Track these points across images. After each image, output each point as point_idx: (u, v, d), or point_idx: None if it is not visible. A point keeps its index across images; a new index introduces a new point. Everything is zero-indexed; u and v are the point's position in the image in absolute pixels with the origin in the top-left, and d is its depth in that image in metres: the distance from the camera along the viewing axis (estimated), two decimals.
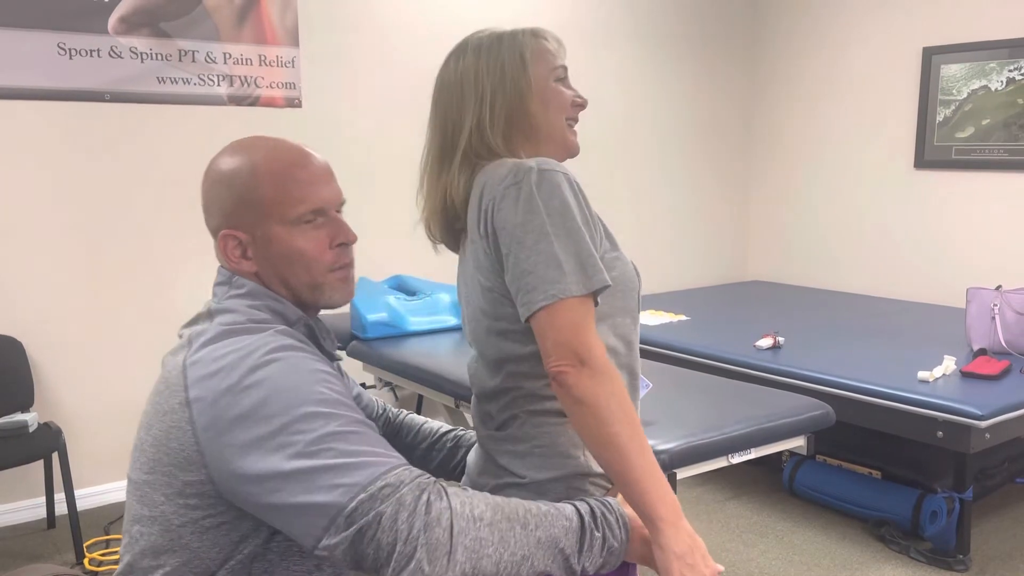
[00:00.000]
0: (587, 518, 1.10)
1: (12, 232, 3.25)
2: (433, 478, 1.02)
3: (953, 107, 4.46)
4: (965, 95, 4.41)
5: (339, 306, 1.20)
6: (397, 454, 1.03)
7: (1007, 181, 4.30)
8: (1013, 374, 3.09)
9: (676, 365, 3.04)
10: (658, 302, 4.57)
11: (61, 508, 3.17)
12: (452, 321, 3.16)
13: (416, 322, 3.06)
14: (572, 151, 1.37)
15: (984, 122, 4.35)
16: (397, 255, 4.14)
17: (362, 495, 0.96)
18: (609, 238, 1.27)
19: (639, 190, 5.00)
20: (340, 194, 1.20)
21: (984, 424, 2.72)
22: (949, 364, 3.11)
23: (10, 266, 3.24)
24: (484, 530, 1.00)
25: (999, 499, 3.47)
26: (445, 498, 0.98)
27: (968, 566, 2.91)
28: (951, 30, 4.43)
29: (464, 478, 1.36)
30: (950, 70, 4.46)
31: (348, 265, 1.19)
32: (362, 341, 3.00)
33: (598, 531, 1.10)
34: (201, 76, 3.59)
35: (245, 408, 1.00)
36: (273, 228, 1.13)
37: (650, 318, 4.15)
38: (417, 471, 1.01)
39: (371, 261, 4.06)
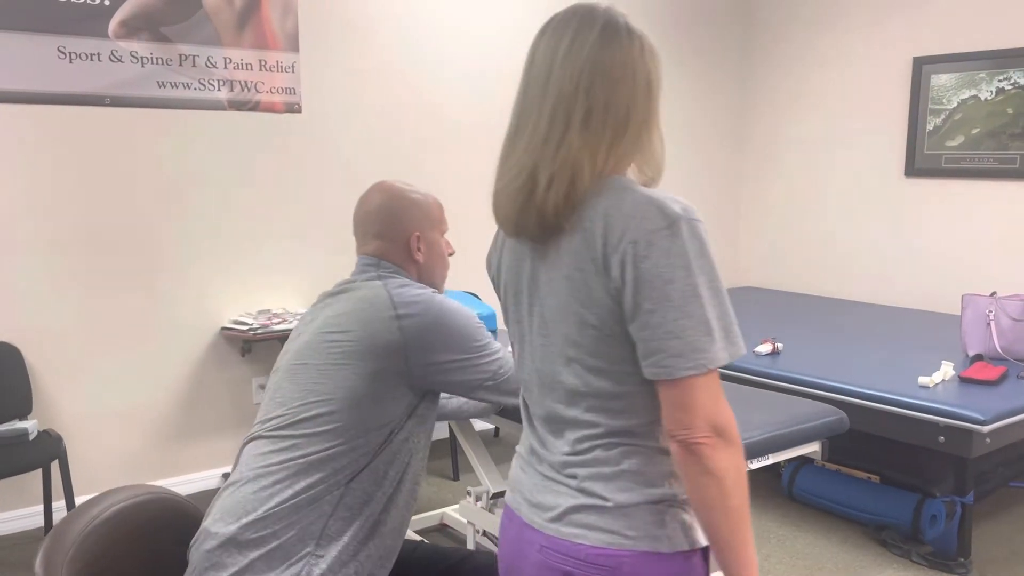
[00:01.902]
0: None
1: (10, 238, 3.21)
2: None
3: (943, 116, 4.53)
4: (955, 104, 4.49)
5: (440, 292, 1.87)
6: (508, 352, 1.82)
7: (996, 189, 4.37)
8: (1011, 379, 3.14)
9: None
10: None
11: (60, 516, 3.13)
12: None
13: None
14: (662, 165, 1.30)
15: (974, 131, 4.42)
16: None
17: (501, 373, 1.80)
18: None
19: None
20: None
21: (986, 429, 2.76)
22: (947, 370, 3.15)
23: (7, 272, 3.20)
24: None
25: (995, 503, 3.52)
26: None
27: (969, 569, 2.95)
28: (941, 41, 4.51)
29: (511, 495, 1.34)
30: (940, 80, 4.53)
31: None
32: None
33: None
34: (201, 81, 3.57)
35: (444, 329, 1.69)
36: (435, 235, 1.86)
37: None
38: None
39: None
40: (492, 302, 4.22)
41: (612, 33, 1.20)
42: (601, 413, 1.20)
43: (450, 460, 3.95)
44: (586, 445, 1.22)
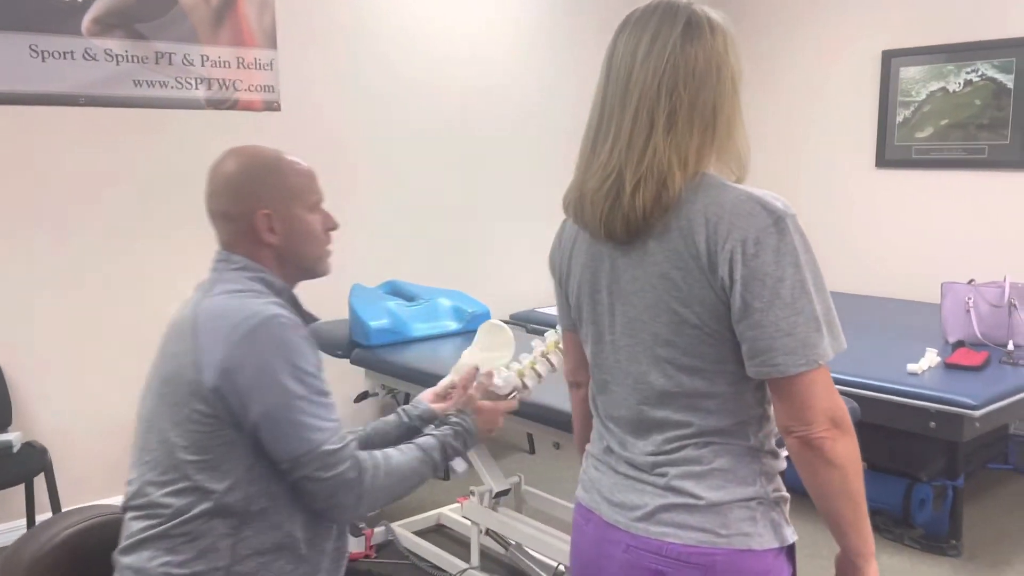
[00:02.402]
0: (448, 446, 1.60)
1: None
2: (357, 455, 1.42)
3: (912, 108, 4.63)
4: (924, 96, 4.58)
5: (325, 275, 1.56)
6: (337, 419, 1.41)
7: (965, 179, 4.48)
8: (994, 364, 3.22)
9: None
10: None
11: None
12: (453, 326, 3.14)
13: (419, 328, 3.03)
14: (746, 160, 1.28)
15: (942, 122, 4.52)
16: (382, 258, 4.09)
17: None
18: None
19: None
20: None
21: (977, 414, 2.83)
22: (932, 356, 3.22)
23: None
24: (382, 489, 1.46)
25: (976, 486, 3.61)
26: (359, 472, 1.40)
27: (960, 551, 3.03)
28: (910, 34, 4.60)
29: (586, 494, 1.33)
30: (909, 72, 4.63)
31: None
32: (365, 348, 2.95)
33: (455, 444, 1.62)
34: (178, 79, 3.48)
35: (246, 359, 1.34)
36: (297, 210, 1.47)
37: None
38: (348, 444, 1.40)
39: (359, 265, 4.00)
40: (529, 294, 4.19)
41: (695, 29, 1.18)
42: (693, 412, 1.19)
43: None
44: (675, 444, 1.21)
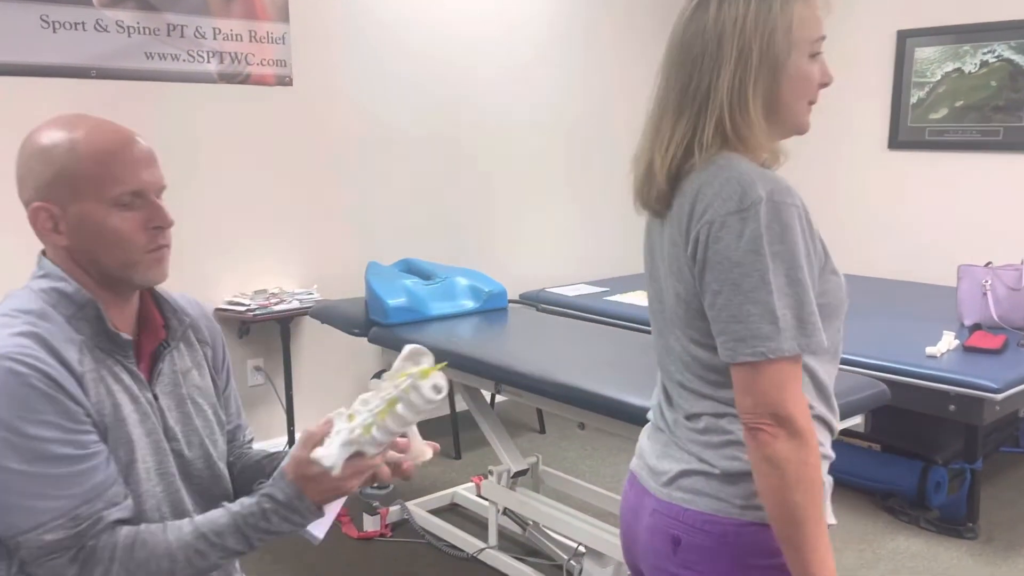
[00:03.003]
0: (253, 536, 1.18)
1: None
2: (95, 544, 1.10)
3: (927, 89, 4.59)
4: (939, 77, 4.54)
5: (153, 284, 1.26)
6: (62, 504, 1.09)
7: (980, 161, 4.45)
8: (1012, 347, 3.21)
9: None
10: (642, 283, 4.58)
11: None
12: (470, 305, 3.10)
13: (437, 307, 3.00)
14: (800, 132, 1.24)
15: (957, 104, 4.49)
16: (396, 237, 4.06)
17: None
18: (826, 251, 1.18)
19: (614, 170, 4.99)
20: (161, 179, 1.22)
21: (999, 397, 2.81)
22: (950, 339, 3.21)
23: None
24: None
25: (991, 469, 3.61)
26: (83, 568, 1.10)
27: (977, 534, 3.03)
28: (925, 13, 4.55)
29: (636, 460, 1.35)
30: (924, 53, 4.59)
31: (164, 247, 1.22)
32: (383, 327, 2.92)
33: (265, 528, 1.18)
34: (190, 52, 3.42)
35: None
36: (87, 205, 1.15)
37: (642, 298, 4.16)
38: (79, 527, 1.09)
39: (373, 242, 3.97)
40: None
41: (702, 3, 1.18)
42: (706, 383, 1.21)
43: (451, 439, 3.91)
44: (697, 411, 1.23)
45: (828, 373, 1.22)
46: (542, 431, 4.16)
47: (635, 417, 2.12)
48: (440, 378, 1.12)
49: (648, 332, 2.87)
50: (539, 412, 4.21)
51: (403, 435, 1.20)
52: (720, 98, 1.15)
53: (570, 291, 4.36)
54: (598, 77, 4.81)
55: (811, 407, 1.18)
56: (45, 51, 3.09)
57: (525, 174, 4.57)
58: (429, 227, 4.21)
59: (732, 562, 1.18)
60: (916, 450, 3.29)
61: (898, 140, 4.71)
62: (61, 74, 3.13)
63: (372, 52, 3.93)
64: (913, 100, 4.64)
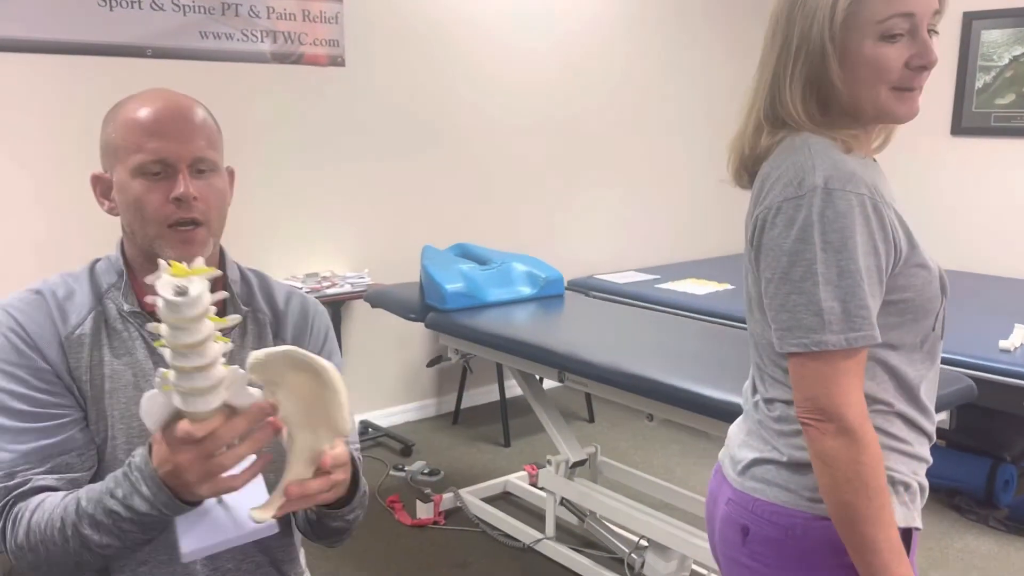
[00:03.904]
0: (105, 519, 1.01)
1: (55, 194, 3.04)
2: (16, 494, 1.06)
3: (993, 73, 4.43)
4: (1007, 61, 4.38)
5: (175, 260, 1.13)
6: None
7: None
8: None
9: None
10: (693, 270, 4.50)
11: None
12: (527, 291, 3.05)
13: (494, 293, 2.94)
14: (893, 121, 1.15)
15: None
16: (446, 221, 4.01)
17: None
18: (911, 243, 1.12)
19: (659, 158, 4.91)
20: (195, 151, 1.13)
21: None
22: (1022, 333, 3.09)
23: (49, 231, 3.04)
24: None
25: None
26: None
27: None
28: None
29: (723, 450, 1.32)
30: (991, 36, 4.43)
31: (188, 223, 1.13)
32: (440, 312, 2.87)
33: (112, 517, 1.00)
34: (244, 32, 3.38)
35: None
36: (121, 174, 1.14)
37: (695, 287, 4.08)
38: (7, 482, 1.06)
39: (426, 227, 3.92)
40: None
41: None
42: (779, 369, 1.17)
43: (501, 426, 3.87)
44: (771, 396, 1.19)
45: (917, 372, 1.16)
46: (591, 420, 4.11)
47: (707, 408, 2.06)
48: (187, 280, 0.85)
49: (705, 320, 2.79)
50: (588, 401, 4.15)
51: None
52: (766, 81, 1.15)
53: (619, 278, 4.29)
54: (649, 64, 4.71)
55: (890, 404, 1.14)
56: (102, 30, 3.07)
57: (573, 161, 4.49)
58: (477, 212, 4.15)
59: (799, 557, 1.14)
60: (984, 447, 3.18)
61: (962, 126, 4.56)
62: (118, 53, 3.11)
63: (426, 33, 3.87)
64: (979, 85, 4.48)
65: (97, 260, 1.23)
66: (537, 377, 2.85)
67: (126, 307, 1.17)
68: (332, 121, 3.65)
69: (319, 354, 1.24)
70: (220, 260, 1.26)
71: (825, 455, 1.05)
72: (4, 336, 1.11)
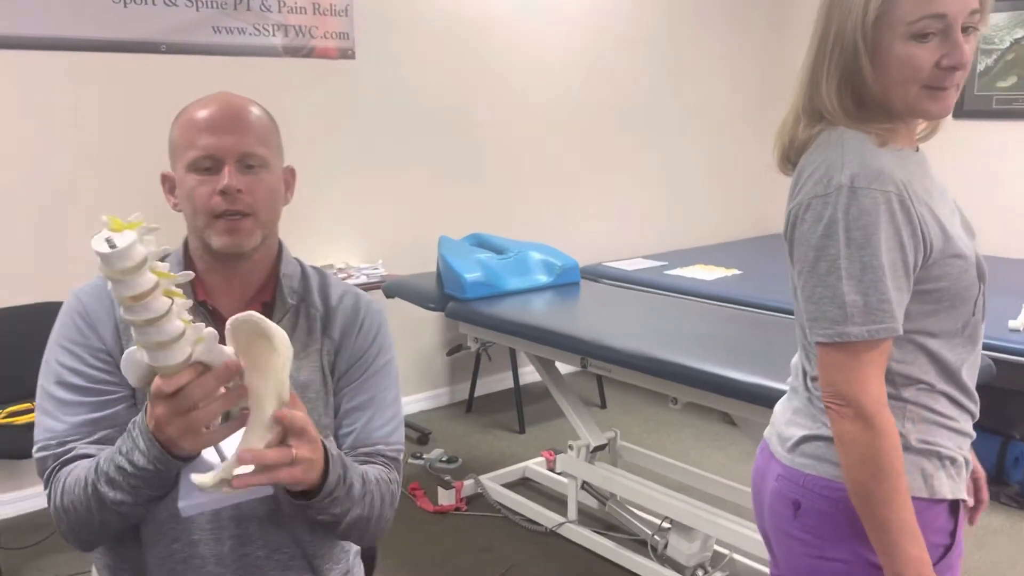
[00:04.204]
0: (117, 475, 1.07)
1: (69, 191, 3.06)
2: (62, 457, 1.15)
3: (995, 56, 4.48)
4: (1008, 44, 4.43)
5: (229, 252, 1.20)
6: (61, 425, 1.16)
7: None
8: None
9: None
10: (701, 256, 4.55)
11: None
12: (544, 279, 3.09)
13: (512, 282, 2.98)
14: (925, 117, 1.18)
15: None
16: (462, 211, 4.04)
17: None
18: (945, 235, 1.14)
19: (666, 147, 4.94)
20: (242, 146, 1.18)
21: None
22: None
23: (67, 228, 3.06)
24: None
25: None
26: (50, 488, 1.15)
27: None
28: None
29: (768, 428, 1.36)
30: (992, 19, 4.46)
31: (233, 214, 1.18)
32: (460, 301, 2.91)
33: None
34: (256, 26, 3.40)
35: None
36: (179, 170, 1.20)
37: (703, 272, 4.12)
38: (57, 449, 1.15)
39: (440, 217, 3.95)
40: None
41: None
42: None
43: (514, 414, 3.91)
44: (817, 375, 1.21)
45: (958, 356, 1.20)
46: (603, 406, 4.15)
47: (734, 391, 2.10)
48: (118, 234, 0.86)
49: (719, 305, 2.82)
50: (600, 387, 4.20)
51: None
52: (804, 76, 1.20)
53: (628, 265, 4.33)
54: (656, 54, 4.73)
55: (932, 384, 1.17)
56: (117, 26, 3.08)
57: (578, 150, 4.52)
58: (485, 202, 4.18)
59: (850, 529, 1.17)
60: (994, 425, 3.24)
61: (963, 109, 4.61)
62: (132, 49, 3.13)
63: (435, 24, 3.89)
64: (980, 68, 4.53)
65: (166, 252, 1.27)
66: (555, 364, 2.88)
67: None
68: (343, 113, 3.67)
69: (367, 351, 1.29)
70: (277, 254, 1.29)
71: (843, 438, 1.11)
72: (69, 317, 1.20)
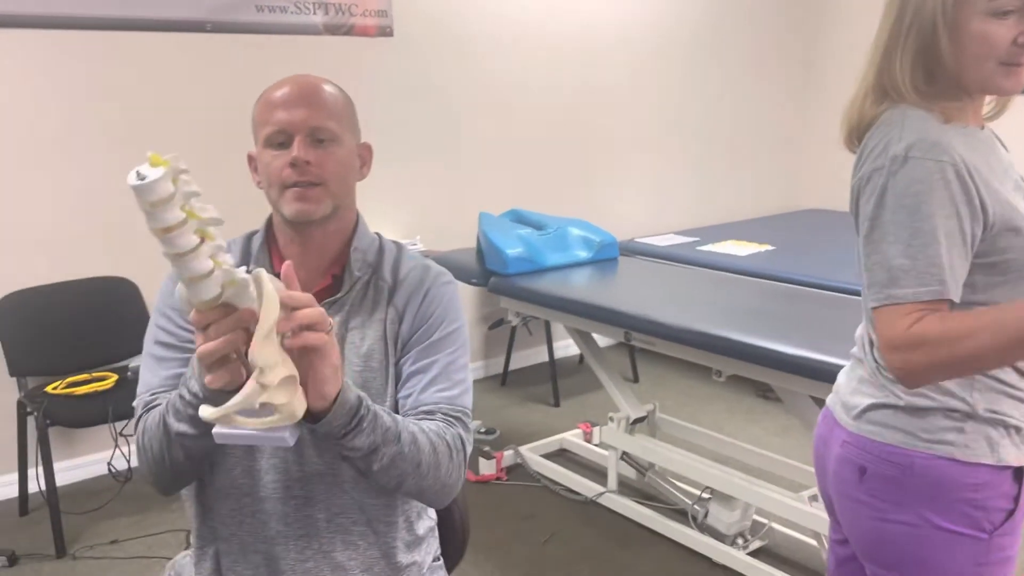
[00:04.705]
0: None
1: (122, 168, 3.13)
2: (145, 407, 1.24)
3: None
4: None
5: (298, 220, 1.25)
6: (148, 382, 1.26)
7: None
8: None
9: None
10: (732, 231, 4.58)
11: None
12: (584, 255, 3.14)
13: (552, 257, 3.03)
14: (999, 94, 1.21)
15: None
16: (501, 187, 4.09)
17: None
18: (1004, 208, 1.16)
19: (697, 125, 4.95)
20: (310, 119, 1.23)
21: None
22: None
23: (120, 207, 3.13)
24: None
25: None
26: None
27: None
28: None
29: (831, 396, 1.40)
30: None
31: (301, 184, 1.23)
32: (501, 276, 2.97)
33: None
34: (298, 4, 3.44)
35: None
36: (258, 147, 1.27)
37: (736, 248, 4.16)
38: (148, 398, 1.25)
39: (480, 194, 4.01)
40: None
41: None
42: None
43: (549, 387, 3.98)
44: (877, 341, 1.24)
45: None
46: (635, 380, 4.21)
47: (779, 363, 2.15)
48: (148, 168, 0.92)
49: (754, 279, 2.83)
50: (633, 361, 4.26)
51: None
52: (878, 52, 1.23)
53: (660, 241, 4.37)
54: (686, 31, 4.74)
55: None
56: (164, 5, 3.13)
57: (609, 127, 4.55)
58: (519, 178, 4.23)
59: (916, 493, 1.22)
60: None
61: None
62: (179, 28, 3.18)
63: (470, 2, 3.91)
64: None
65: (255, 230, 1.35)
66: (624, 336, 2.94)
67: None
68: (381, 90, 3.72)
69: (431, 319, 1.30)
70: (354, 226, 1.34)
71: (919, 377, 1.13)
72: (167, 283, 1.31)
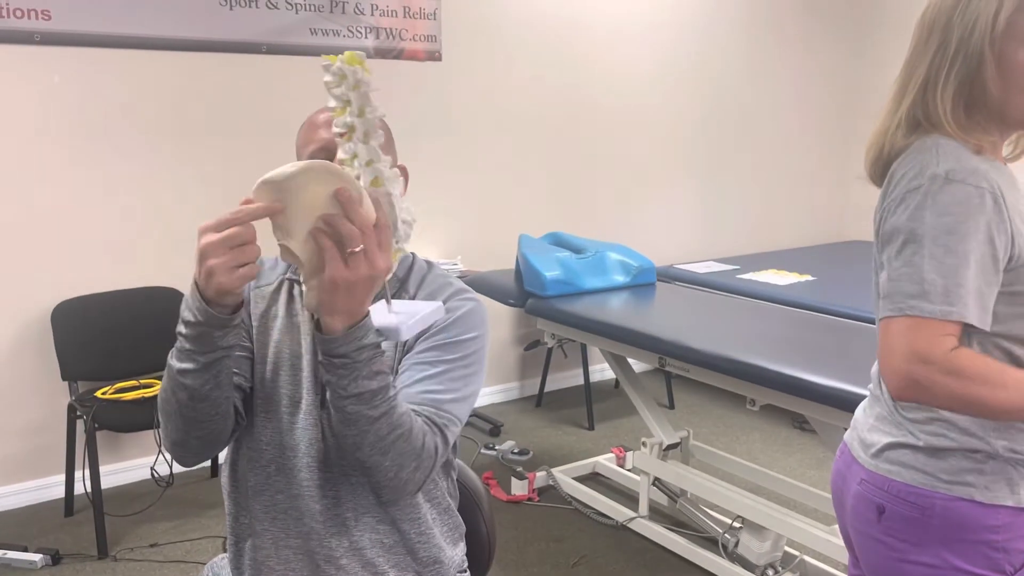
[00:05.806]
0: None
1: (172, 181, 3.24)
2: None
3: None
4: None
5: None
6: None
7: None
8: None
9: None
10: (773, 260, 4.56)
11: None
12: (621, 280, 3.16)
13: (590, 281, 3.07)
14: None
15: None
16: (542, 211, 4.15)
17: None
18: None
19: (740, 153, 4.96)
20: (325, 143, 1.30)
21: None
22: None
23: (171, 218, 3.24)
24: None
25: None
26: None
27: None
28: None
29: (849, 432, 1.40)
30: None
31: None
32: (539, 298, 3.01)
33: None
34: (350, 28, 3.55)
35: None
36: None
37: (776, 277, 4.14)
38: None
39: (520, 216, 4.06)
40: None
41: None
42: None
43: (584, 410, 4.00)
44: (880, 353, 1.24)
45: None
46: (671, 406, 4.21)
47: (814, 394, 2.15)
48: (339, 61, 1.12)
49: (794, 309, 2.83)
50: (669, 387, 4.25)
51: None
52: (916, 84, 1.22)
53: (699, 268, 4.37)
54: (727, 60, 4.76)
55: None
56: (222, 28, 3.26)
57: (650, 153, 4.58)
58: (560, 203, 4.28)
59: (936, 534, 1.21)
60: None
61: None
62: (236, 50, 3.30)
63: (518, 27, 3.99)
64: None
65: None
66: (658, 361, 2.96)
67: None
68: (428, 114, 3.80)
69: (440, 327, 1.31)
70: None
71: (942, 399, 1.12)
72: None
